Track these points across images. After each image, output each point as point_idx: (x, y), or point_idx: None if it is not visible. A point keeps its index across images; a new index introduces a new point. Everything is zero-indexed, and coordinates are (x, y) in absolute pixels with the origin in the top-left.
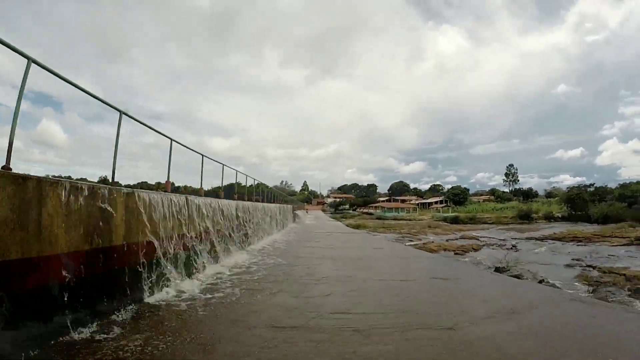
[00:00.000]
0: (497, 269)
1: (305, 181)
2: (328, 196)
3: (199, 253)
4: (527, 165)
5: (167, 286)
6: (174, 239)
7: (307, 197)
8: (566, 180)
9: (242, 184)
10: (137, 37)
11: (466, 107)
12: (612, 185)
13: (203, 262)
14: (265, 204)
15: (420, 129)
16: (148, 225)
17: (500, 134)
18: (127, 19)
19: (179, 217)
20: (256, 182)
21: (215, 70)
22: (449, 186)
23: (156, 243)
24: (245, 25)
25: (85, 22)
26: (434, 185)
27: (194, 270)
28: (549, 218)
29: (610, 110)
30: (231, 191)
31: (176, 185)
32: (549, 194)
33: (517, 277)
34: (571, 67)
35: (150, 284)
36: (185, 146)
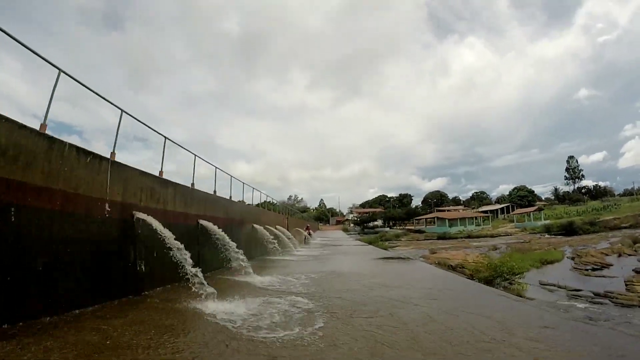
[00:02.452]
0: None
1: (321, 199)
2: (350, 212)
3: None
4: (548, 174)
5: None
6: None
7: (322, 214)
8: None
9: None
10: (162, 64)
11: (483, 120)
12: None
13: None
14: None
15: (438, 145)
16: None
17: (519, 144)
18: (155, 46)
19: None
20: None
21: (241, 94)
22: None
23: None
24: (272, 49)
25: (112, 50)
26: (476, 193)
27: None
28: None
29: (631, 110)
30: None
31: None
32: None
33: None
34: (586, 70)
35: None
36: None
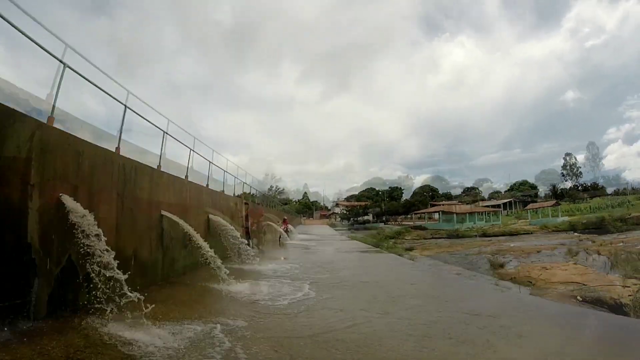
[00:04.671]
0: None
1: (305, 192)
2: (336, 205)
3: None
4: (530, 174)
5: None
6: None
7: (305, 206)
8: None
9: None
10: (150, 53)
11: (467, 118)
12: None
13: None
14: None
15: (421, 141)
16: None
17: (502, 143)
18: (145, 34)
19: None
20: None
21: (229, 86)
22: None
23: None
24: (264, 41)
25: (101, 38)
26: (467, 188)
27: None
28: None
29: (614, 114)
30: None
31: None
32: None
33: None
34: (571, 73)
35: None
36: None
